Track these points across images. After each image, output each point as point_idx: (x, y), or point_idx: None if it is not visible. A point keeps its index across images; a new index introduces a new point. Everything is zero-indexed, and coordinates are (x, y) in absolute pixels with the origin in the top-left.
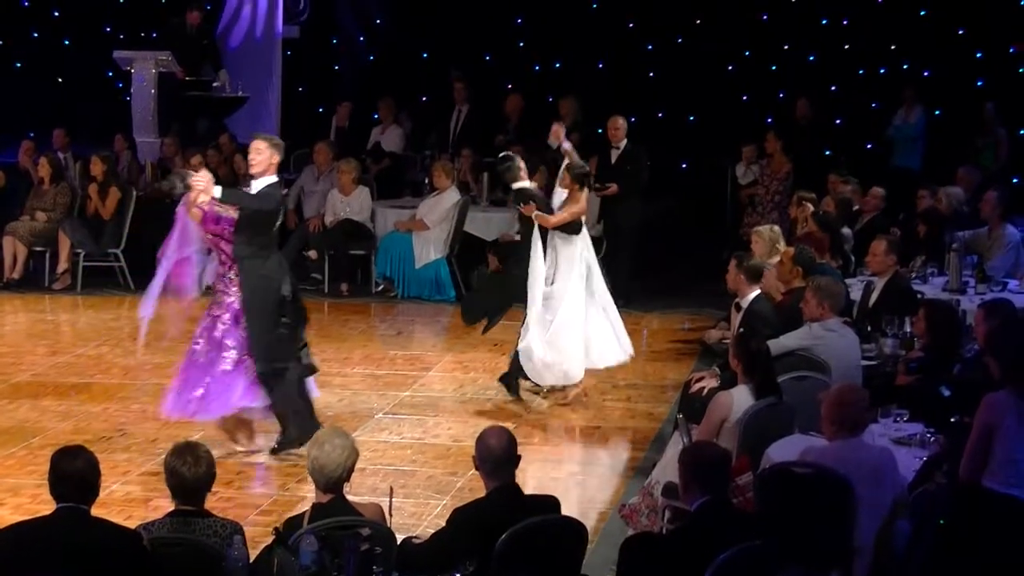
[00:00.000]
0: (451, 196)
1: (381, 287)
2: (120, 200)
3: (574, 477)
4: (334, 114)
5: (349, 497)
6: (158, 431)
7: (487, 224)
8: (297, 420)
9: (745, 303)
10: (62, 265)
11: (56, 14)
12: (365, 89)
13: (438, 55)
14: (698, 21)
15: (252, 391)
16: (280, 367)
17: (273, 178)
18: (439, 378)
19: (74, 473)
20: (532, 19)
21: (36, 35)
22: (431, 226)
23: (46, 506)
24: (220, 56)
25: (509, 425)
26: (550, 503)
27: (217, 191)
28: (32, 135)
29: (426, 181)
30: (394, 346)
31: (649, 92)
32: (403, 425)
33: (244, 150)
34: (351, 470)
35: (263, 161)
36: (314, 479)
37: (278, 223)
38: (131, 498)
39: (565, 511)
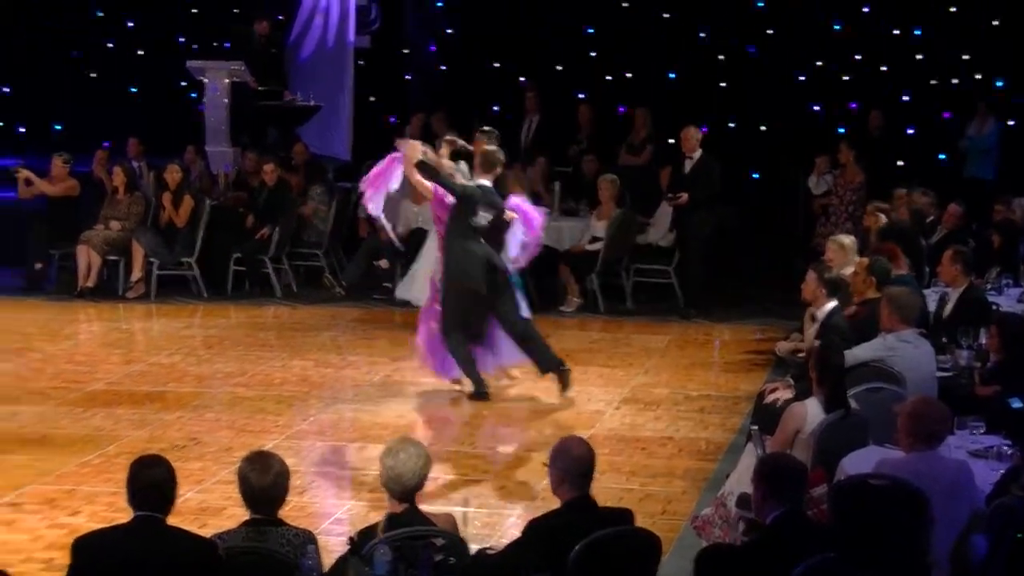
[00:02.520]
0: None
1: None
2: (193, 209)
3: (646, 488)
4: (407, 124)
5: (422, 507)
6: (232, 440)
7: (559, 234)
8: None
9: (821, 315)
10: (136, 274)
11: (130, 24)
12: (435, 99)
13: (508, 65)
14: (770, 31)
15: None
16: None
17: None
18: (511, 387)
19: (152, 482)
20: (603, 29)
21: (111, 45)
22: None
23: (122, 514)
24: (285, 67)
25: (581, 435)
26: (624, 515)
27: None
28: (107, 145)
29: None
30: None
31: (720, 102)
32: (476, 435)
33: (317, 159)
34: (425, 478)
35: (479, 166)
36: (389, 489)
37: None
38: (205, 507)
39: (637, 523)
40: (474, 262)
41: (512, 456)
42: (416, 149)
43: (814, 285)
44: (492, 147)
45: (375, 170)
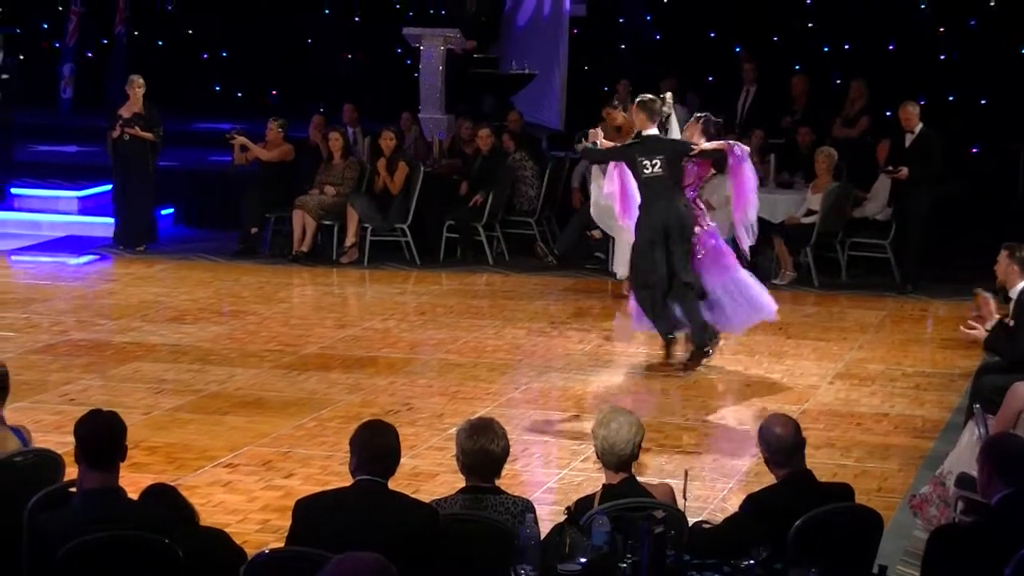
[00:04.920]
0: None
1: None
2: (407, 176)
3: (862, 464)
4: (614, 93)
5: (640, 478)
6: (444, 406)
7: (773, 206)
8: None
9: (1014, 293)
10: (349, 239)
11: None
12: (651, 68)
13: (724, 35)
14: (992, 3)
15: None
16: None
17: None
18: (724, 360)
19: (384, 449)
20: None
21: (328, 12)
22: (717, 207)
23: (335, 477)
24: (500, 35)
25: (794, 409)
26: (845, 491)
27: (595, 137)
28: (322, 110)
29: None
30: None
31: (940, 75)
32: (688, 407)
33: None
34: (639, 448)
35: (642, 119)
36: (604, 460)
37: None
38: (418, 472)
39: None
40: (641, 225)
41: (724, 428)
42: (591, 137)
43: (1005, 264)
44: (646, 97)
45: (618, 195)
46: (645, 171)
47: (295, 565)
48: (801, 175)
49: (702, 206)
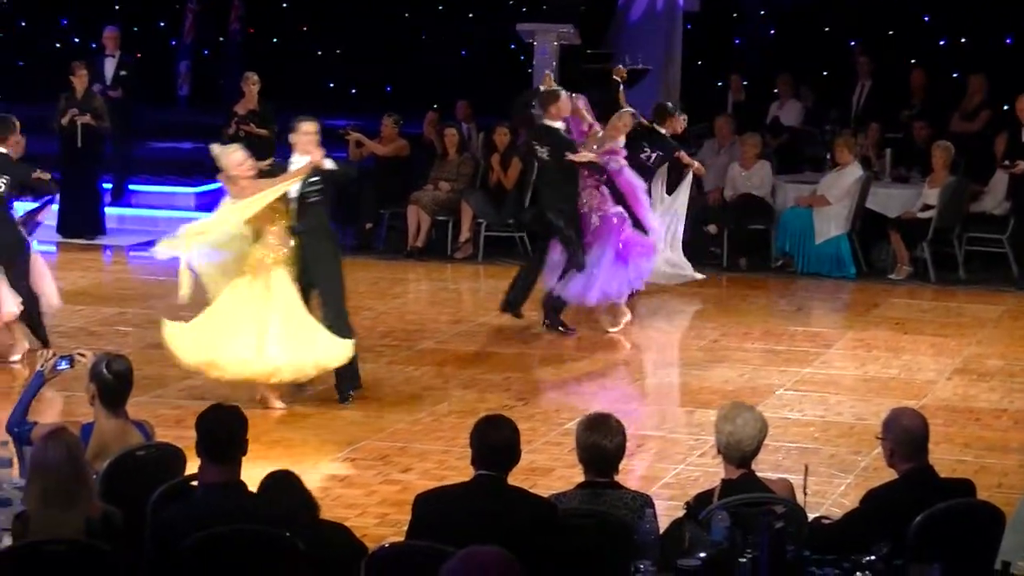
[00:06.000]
0: (853, 171)
1: (780, 262)
2: (521, 171)
3: (981, 460)
4: (728, 88)
5: (759, 473)
6: (560, 401)
7: (888, 200)
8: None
9: None
10: (464, 234)
11: None
12: (765, 63)
13: (840, 29)
14: None
15: None
16: None
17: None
18: (840, 355)
19: (501, 444)
20: None
21: (441, 8)
22: (833, 202)
23: (452, 472)
24: (610, 29)
25: (912, 404)
26: (965, 486)
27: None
28: (436, 106)
29: (827, 156)
30: (794, 322)
31: None
32: (805, 402)
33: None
34: (762, 444)
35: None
36: (727, 455)
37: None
38: (535, 467)
39: None
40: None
41: (843, 424)
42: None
43: None
44: (549, 89)
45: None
46: (540, 156)
47: (416, 559)
48: (918, 170)
49: (605, 192)
